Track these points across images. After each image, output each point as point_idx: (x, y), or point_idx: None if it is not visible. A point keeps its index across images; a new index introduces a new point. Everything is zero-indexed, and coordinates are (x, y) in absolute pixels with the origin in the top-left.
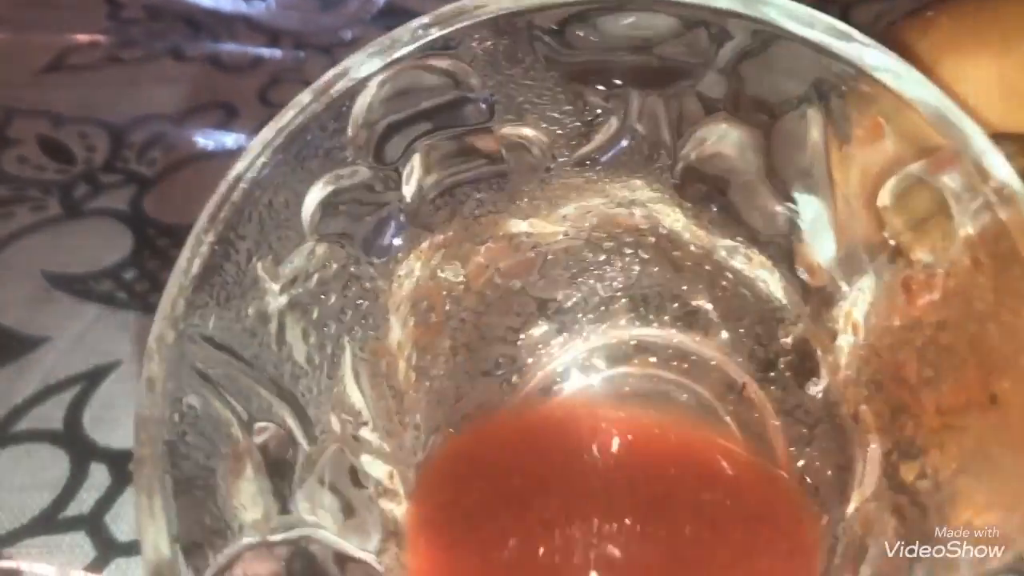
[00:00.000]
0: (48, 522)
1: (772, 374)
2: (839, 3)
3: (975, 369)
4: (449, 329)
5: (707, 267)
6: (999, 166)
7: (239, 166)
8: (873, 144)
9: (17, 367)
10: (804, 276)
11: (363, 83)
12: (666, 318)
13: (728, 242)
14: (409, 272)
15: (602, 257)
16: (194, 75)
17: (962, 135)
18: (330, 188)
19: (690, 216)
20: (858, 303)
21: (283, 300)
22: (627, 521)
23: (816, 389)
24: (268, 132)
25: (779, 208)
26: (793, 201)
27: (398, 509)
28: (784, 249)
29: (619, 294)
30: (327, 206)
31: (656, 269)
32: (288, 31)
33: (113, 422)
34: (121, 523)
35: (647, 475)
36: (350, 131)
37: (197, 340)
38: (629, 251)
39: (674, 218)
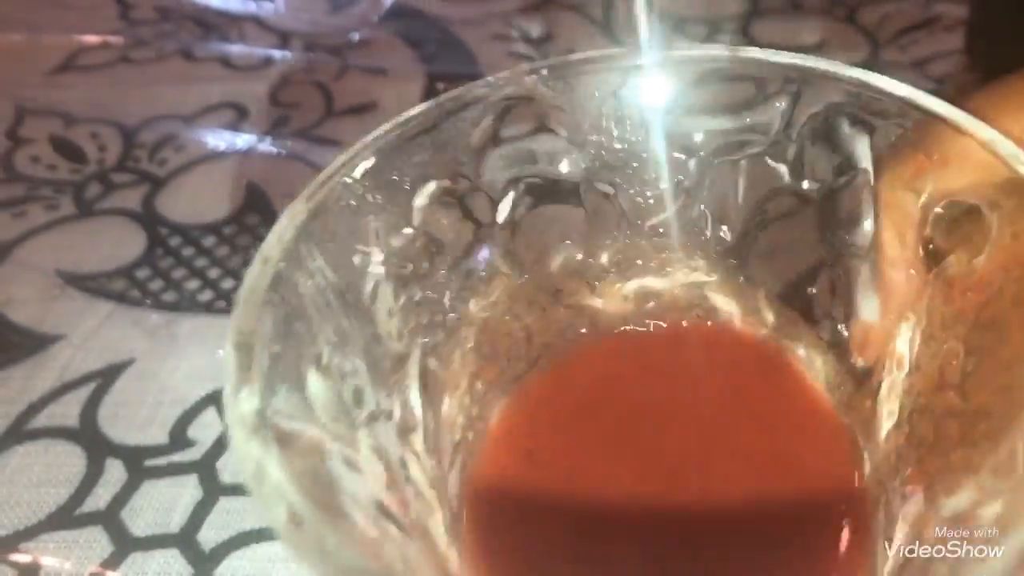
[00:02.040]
0: (65, 518)
1: None
2: (846, 5)
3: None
4: (506, 370)
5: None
6: None
7: (374, 133)
8: (918, 183)
9: (33, 364)
10: (855, 359)
11: (490, 101)
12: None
13: (777, 324)
14: (485, 303)
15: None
16: (204, 76)
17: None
18: (442, 188)
19: (744, 301)
20: (901, 336)
21: (381, 269)
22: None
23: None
24: (407, 114)
25: (831, 279)
26: (845, 269)
27: (429, 519)
28: (832, 328)
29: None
30: (436, 202)
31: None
32: (298, 32)
33: (128, 419)
34: (137, 519)
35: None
36: (473, 140)
37: (310, 248)
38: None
39: (727, 306)
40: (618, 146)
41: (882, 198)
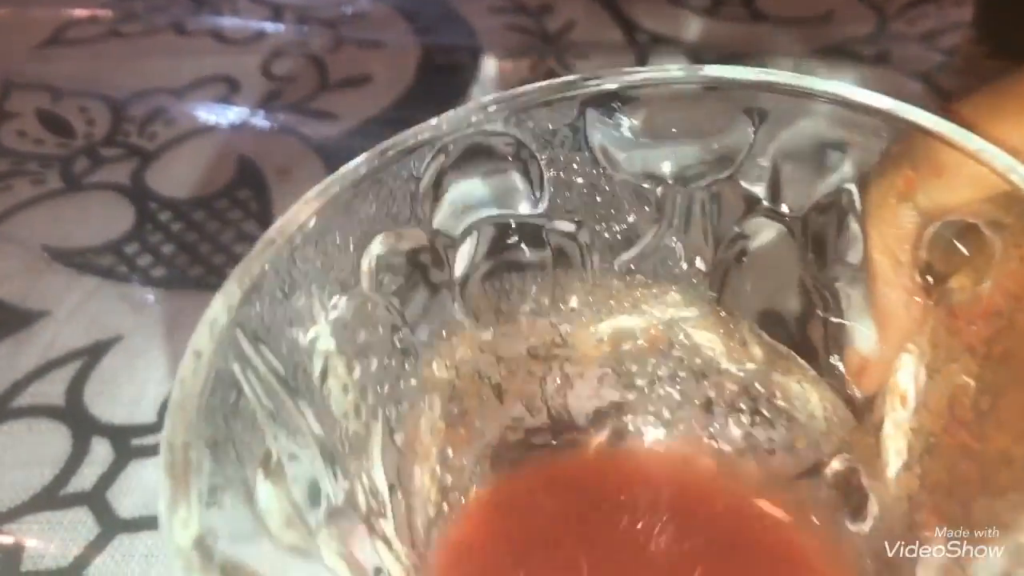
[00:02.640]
0: (50, 498)
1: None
2: None
3: None
4: (477, 436)
5: (743, 398)
6: None
7: (316, 188)
8: (908, 200)
9: (16, 341)
10: (852, 390)
11: (438, 145)
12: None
13: (766, 359)
14: (449, 362)
15: (631, 396)
16: (196, 49)
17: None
18: (391, 244)
19: (727, 335)
20: (903, 369)
21: (332, 343)
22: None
23: (863, 527)
24: (350, 166)
25: (820, 305)
26: (834, 295)
27: None
28: (825, 358)
29: (650, 432)
30: (384, 262)
31: (687, 408)
32: (291, 5)
33: (114, 397)
34: (124, 499)
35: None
36: (421, 187)
37: (248, 333)
38: (661, 390)
39: (710, 344)
40: (579, 180)
41: (870, 217)
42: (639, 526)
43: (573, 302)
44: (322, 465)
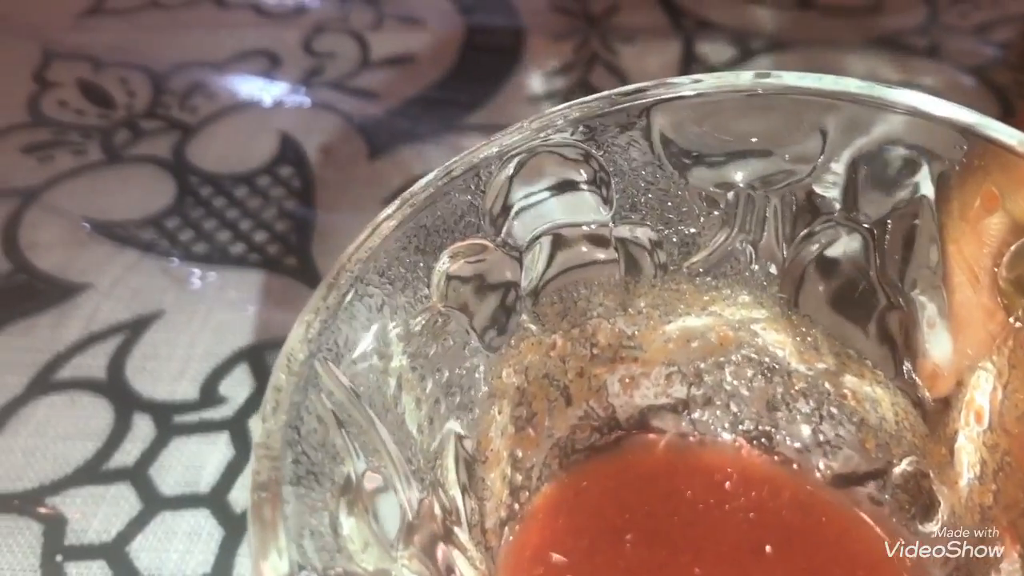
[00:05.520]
0: (92, 472)
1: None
2: None
3: None
4: (546, 437)
5: (812, 397)
6: None
7: (386, 211)
8: (989, 216)
9: (59, 313)
10: (924, 394)
11: (503, 159)
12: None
13: (837, 362)
14: (518, 369)
15: (698, 393)
16: (236, 22)
17: None
18: (460, 260)
19: (798, 337)
20: (979, 386)
21: (404, 360)
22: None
23: (932, 528)
24: (417, 187)
25: (893, 313)
26: (908, 302)
27: None
28: (897, 364)
29: (718, 427)
30: (454, 277)
31: (754, 406)
32: None
33: (156, 373)
34: (167, 476)
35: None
36: (488, 203)
37: (326, 365)
38: (728, 387)
39: (780, 344)
40: (647, 186)
41: (949, 231)
42: (706, 521)
43: (641, 305)
44: (398, 483)
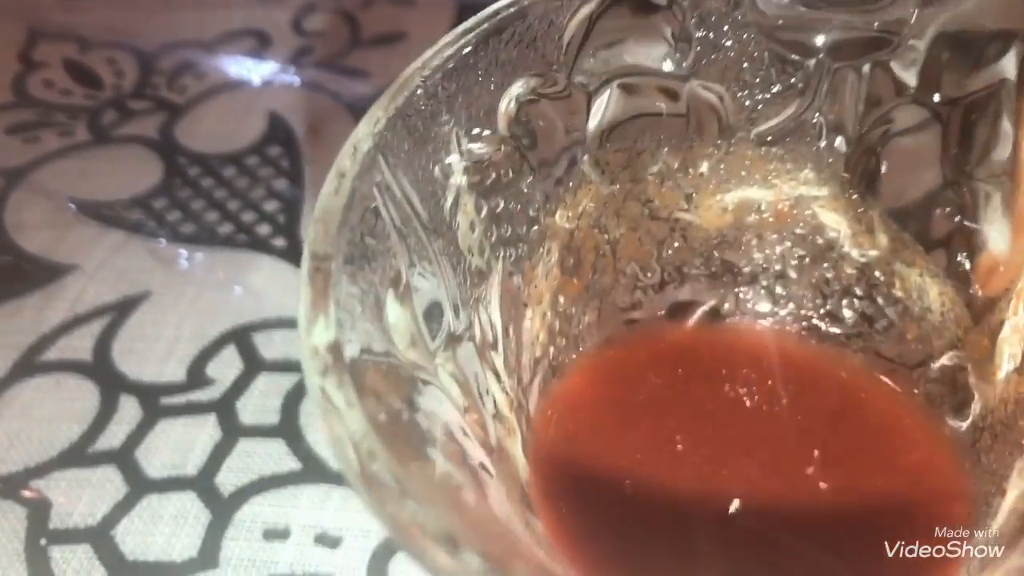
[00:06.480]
0: (78, 455)
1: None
2: None
3: None
4: (589, 289)
5: (860, 283)
6: None
7: (464, 25)
8: None
9: (44, 295)
10: (975, 289)
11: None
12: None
13: (891, 247)
14: (572, 213)
15: (747, 268)
16: (225, 2)
17: None
18: (531, 87)
19: (855, 219)
20: None
21: (464, 179)
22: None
23: (962, 423)
24: (499, 3)
25: (956, 202)
26: (973, 192)
27: (508, 439)
28: (952, 255)
29: (761, 306)
30: (522, 105)
31: (801, 286)
32: None
33: (143, 355)
34: (153, 459)
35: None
36: (567, 34)
37: (388, 160)
38: (777, 265)
39: (836, 225)
40: (727, 43)
41: None
42: (740, 398)
43: (703, 167)
44: (445, 293)
